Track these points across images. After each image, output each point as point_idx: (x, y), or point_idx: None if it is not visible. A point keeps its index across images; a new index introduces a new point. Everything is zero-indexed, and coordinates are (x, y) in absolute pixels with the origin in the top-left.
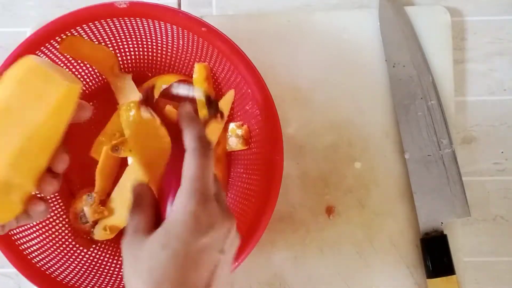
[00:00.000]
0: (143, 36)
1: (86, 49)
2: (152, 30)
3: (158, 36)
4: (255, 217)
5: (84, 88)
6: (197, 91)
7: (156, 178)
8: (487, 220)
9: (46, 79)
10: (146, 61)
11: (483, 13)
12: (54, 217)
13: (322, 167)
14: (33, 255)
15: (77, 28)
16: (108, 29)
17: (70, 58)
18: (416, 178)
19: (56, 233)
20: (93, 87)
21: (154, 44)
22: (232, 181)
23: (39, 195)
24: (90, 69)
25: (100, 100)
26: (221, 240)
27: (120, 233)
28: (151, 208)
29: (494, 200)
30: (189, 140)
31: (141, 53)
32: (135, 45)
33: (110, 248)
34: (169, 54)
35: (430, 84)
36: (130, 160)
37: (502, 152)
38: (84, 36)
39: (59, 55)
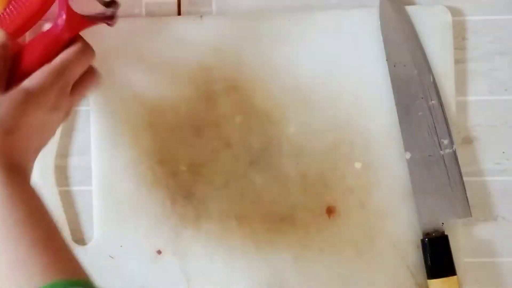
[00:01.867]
0: None
1: None
2: None
3: None
4: None
5: None
6: None
7: None
8: (488, 221)
9: None
10: None
11: (484, 13)
12: None
13: (322, 167)
14: None
15: None
16: None
17: None
18: (417, 178)
19: None
20: None
21: None
22: None
23: None
24: None
25: None
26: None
27: None
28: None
29: (495, 200)
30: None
31: None
32: None
33: None
34: None
35: (431, 84)
36: None
37: (503, 152)
38: None
39: None
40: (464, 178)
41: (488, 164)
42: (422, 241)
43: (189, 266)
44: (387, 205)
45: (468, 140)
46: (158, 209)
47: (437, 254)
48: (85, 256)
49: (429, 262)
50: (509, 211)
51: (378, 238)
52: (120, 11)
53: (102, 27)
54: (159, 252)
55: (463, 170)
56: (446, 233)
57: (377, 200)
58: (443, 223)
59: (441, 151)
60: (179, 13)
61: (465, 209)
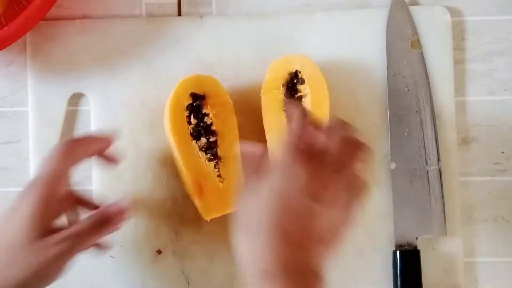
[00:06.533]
0: None
1: None
2: None
3: None
4: None
5: None
6: None
7: None
8: (487, 221)
9: None
10: None
11: (483, 13)
12: None
13: None
14: None
15: None
16: None
17: None
18: (399, 189)
19: None
20: None
21: None
22: None
23: None
24: None
25: None
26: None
27: None
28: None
29: (494, 200)
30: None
31: None
32: None
33: None
34: None
35: (427, 99)
36: None
37: (502, 152)
38: None
39: None
40: (464, 178)
41: (487, 164)
42: (394, 252)
43: (189, 266)
44: (386, 205)
45: (468, 140)
46: (158, 209)
47: (407, 267)
48: (85, 256)
49: (398, 274)
50: (509, 211)
51: (378, 237)
52: (120, 11)
53: (101, 24)
54: (159, 252)
55: (462, 170)
56: (418, 248)
57: (376, 200)
58: (417, 238)
59: (426, 167)
60: (179, 14)
61: (441, 227)
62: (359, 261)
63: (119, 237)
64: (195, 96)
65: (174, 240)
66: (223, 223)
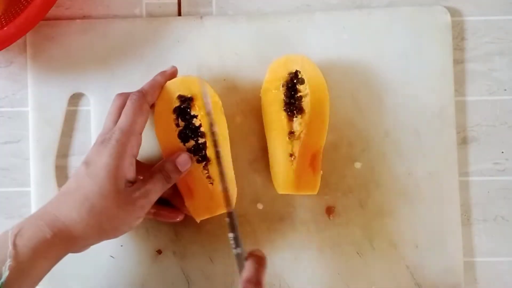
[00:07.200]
0: None
1: None
2: None
3: None
4: None
5: None
6: None
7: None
8: (487, 220)
9: None
10: None
11: (483, 13)
12: None
13: (322, 167)
14: None
15: None
16: None
17: None
18: None
19: None
20: None
21: None
22: None
23: None
24: None
25: None
26: None
27: None
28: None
29: (494, 200)
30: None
31: None
32: None
33: None
34: None
35: None
36: None
37: (502, 152)
38: None
39: None
40: (464, 178)
41: (487, 164)
42: None
43: (189, 266)
44: (386, 205)
45: (467, 140)
46: None
47: None
48: (85, 255)
49: None
50: (508, 211)
51: (378, 237)
52: (120, 11)
53: (101, 24)
54: (159, 252)
55: (462, 170)
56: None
57: (376, 200)
58: None
59: None
60: (179, 14)
61: None
62: (359, 261)
63: (119, 237)
64: (183, 98)
65: (174, 240)
66: (223, 223)
